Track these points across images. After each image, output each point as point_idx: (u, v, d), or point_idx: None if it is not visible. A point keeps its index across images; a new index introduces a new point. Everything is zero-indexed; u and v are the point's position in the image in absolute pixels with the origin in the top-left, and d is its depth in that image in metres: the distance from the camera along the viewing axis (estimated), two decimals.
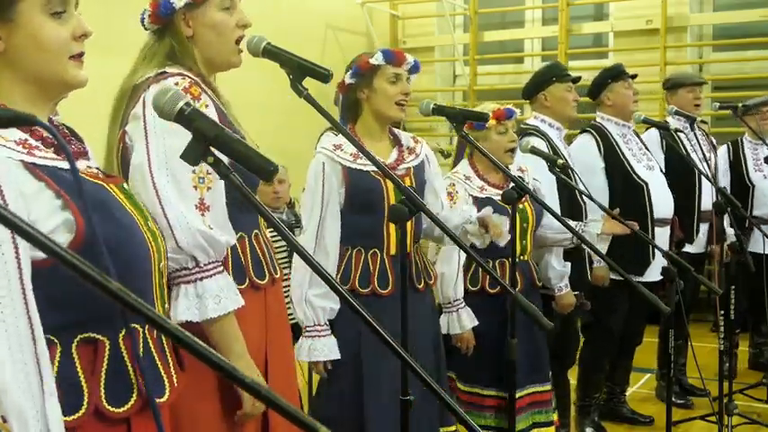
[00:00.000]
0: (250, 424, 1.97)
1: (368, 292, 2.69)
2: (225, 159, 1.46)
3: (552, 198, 3.50)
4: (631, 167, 3.97)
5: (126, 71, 2.00)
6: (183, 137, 1.80)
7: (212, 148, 1.44)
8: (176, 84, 1.85)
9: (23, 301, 1.22)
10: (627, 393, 4.47)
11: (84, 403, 1.34)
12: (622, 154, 3.99)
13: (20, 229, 0.81)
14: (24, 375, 1.20)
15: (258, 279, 2.02)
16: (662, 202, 4.04)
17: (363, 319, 1.38)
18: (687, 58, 7.36)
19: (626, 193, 3.90)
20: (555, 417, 3.36)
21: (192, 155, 1.43)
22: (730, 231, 4.14)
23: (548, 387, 3.31)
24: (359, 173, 2.69)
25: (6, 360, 1.17)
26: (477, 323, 3.14)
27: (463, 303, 3.13)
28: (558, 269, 3.52)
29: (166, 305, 1.61)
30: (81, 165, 1.42)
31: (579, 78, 3.96)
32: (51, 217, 1.30)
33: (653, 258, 3.93)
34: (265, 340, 2.04)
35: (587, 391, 4.08)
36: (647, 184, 3.93)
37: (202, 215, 1.83)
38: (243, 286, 1.97)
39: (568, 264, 3.56)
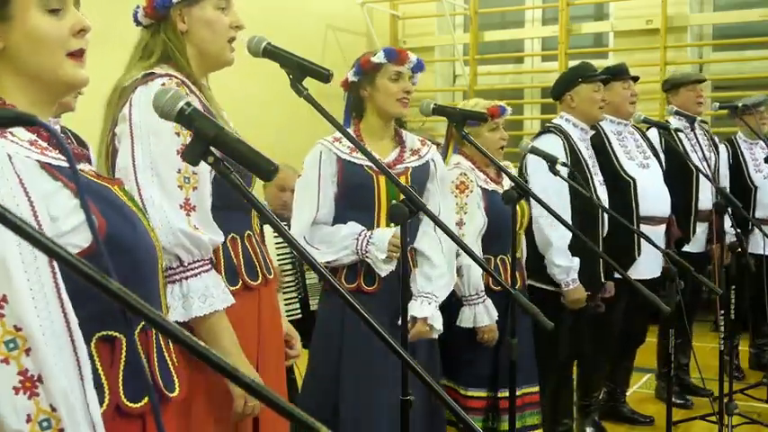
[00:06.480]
0: (243, 423, 1.97)
1: (353, 287, 2.70)
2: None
3: (561, 203, 3.48)
4: (620, 164, 3.94)
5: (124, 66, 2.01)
6: (168, 138, 1.82)
7: (212, 148, 1.44)
8: (163, 85, 1.84)
9: (58, 298, 1.24)
10: (627, 393, 4.47)
11: (106, 399, 1.36)
12: (613, 151, 3.97)
13: (19, 229, 0.81)
14: (64, 368, 1.23)
15: (251, 280, 2.03)
16: (654, 200, 4.02)
17: (360, 315, 1.38)
18: (687, 58, 7.36)
19: (613, 189, 3.87)
20: (538, 420, 3.33)
21: (193, 154, 1.43)
22: (730, 231, 4.13)
23: (536, 388, 3.31)
24: (353, 165, 2.72)
25: (47, 353, 1.21)
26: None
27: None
28: (562, 265, 3.51)
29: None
30: (83, 167, 1.44)
31: (609, 80, 3.90)
32: (71, 216, 1.31)
33: (638, 255, 3.90)
34: (257, 341, 2.04)
35: (587, 391, 4.07)
36: (634, 180, 3.90)
37: (188, 215, 1.83)
38: (236, 287, 1.98)
39: (576, 259, 3.55)
